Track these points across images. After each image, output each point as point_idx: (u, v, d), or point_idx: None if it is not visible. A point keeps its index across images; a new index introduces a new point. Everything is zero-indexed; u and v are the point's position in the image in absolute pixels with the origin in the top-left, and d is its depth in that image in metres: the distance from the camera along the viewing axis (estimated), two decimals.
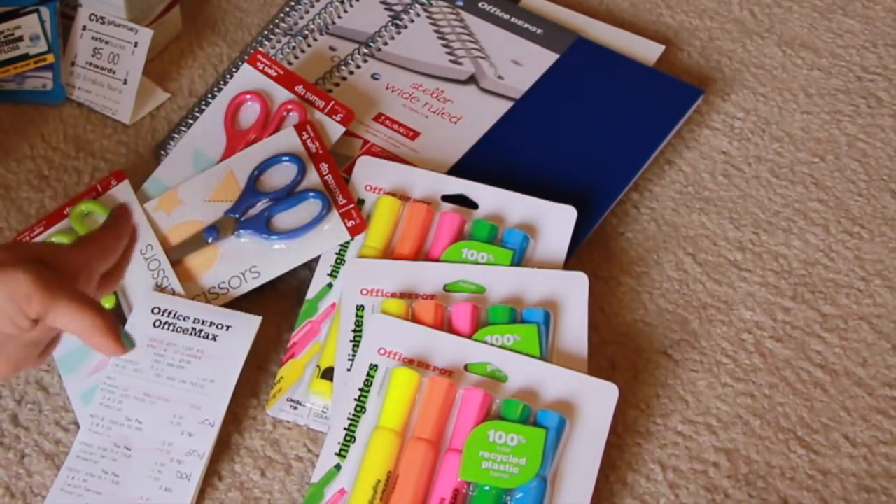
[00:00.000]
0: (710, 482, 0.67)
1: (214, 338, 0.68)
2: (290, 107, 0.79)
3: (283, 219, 0.74)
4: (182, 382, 0.67)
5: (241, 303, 0.73)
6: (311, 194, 0.74)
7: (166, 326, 0.69)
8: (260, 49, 0.85)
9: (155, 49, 0.88)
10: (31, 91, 0.85)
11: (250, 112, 0.80)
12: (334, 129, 0.78)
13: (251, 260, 0.73)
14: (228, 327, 0.69)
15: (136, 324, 0.69)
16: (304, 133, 0.77)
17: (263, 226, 0.74)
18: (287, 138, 0.77)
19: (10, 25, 0.85)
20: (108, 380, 0.67)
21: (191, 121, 0.83)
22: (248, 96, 0.80)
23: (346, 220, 0.74)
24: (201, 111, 0.83)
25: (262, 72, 0.81)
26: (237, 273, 0.73)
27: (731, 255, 0.78)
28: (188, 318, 0.69)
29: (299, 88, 0.80)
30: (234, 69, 0.88)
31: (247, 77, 0.81)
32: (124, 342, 0.57)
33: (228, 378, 0.67)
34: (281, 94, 0.80)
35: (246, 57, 0.86)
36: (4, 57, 0.85)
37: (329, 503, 0.63)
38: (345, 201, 0.74)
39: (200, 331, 0.68)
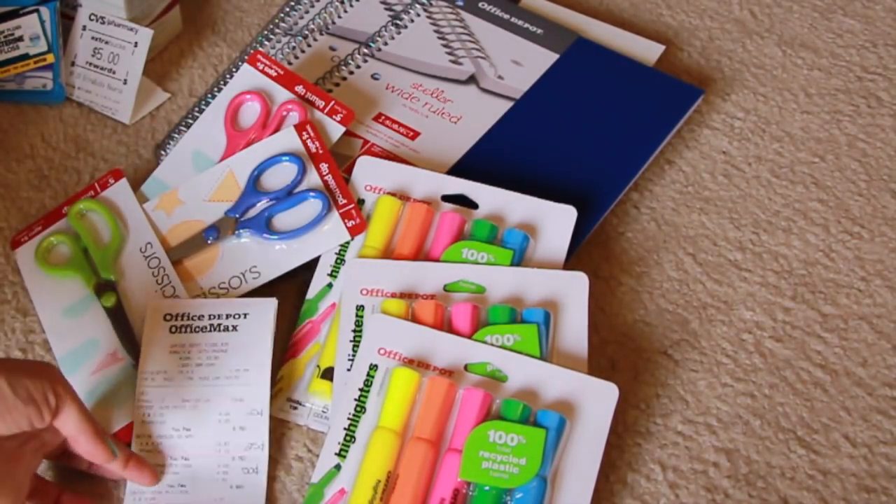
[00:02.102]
0: (710, 482, 0.67)
1: (235, 328, 0.67)
2: (290, 107, 0.79)
3: (284, 219, 0.74)
4: (217, 379, 0.66)
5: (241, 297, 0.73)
6: (312, 194, 0.74)
7: (184, 329, 0.68)
8: (260, 49, 0.85)
9: (155, 49, 0.88)
10: (31, 91, 0.85)
11: (250, 112, 0.80)
12: (334, 129, 0.78)
13: (251, 260, 0.73)
14: (245, 315, 0.68)
15: (152, 335, 0.68)
16: (304, 133, 0.77)
17: (263, 226, 0.74)
18: (287, 138, 0.77)
19: (10, 25, 0.85)
20: (140, 396, 0.66)
21: (191, 121, 0.83)
22: (248, 96, 0.80)
23: (346, 221, 0.73)
24: (201, 111, 0.83)
25: (262, 72, 0.81)
26: (237, 273, 0.73)
27: (731, 255, 0.78)
28: (203, 316, 0.68)
29: (299, 88, 0.80)
30: (234, 69, 0.88)
31: (247, 77, 0.81)
32: (111, 448, 0.61)
33: (262, 362, 0.66)
34: (281, 94, 0.80)
35: (246, 57, 0.86)
36: (4, 57, 0.85)
37: (329, 503, 0.63)
38: (345, 201, 0.74)
39: (219, 325, 0.68)
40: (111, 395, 0.68)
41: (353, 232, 0.73)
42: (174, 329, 0.68)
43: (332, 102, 0.79)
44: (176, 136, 0.83)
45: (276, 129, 0.78)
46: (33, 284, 0.74)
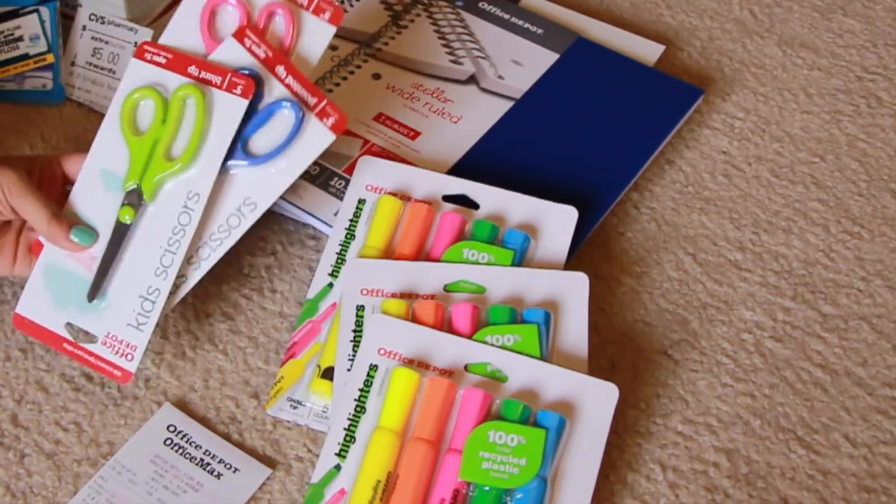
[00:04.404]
0: (710, 482, 0.67)
1: (219, 476, 0.65)
2: (275, 9, 0.71)
3: (259, 139, 0.70)
4: None
5: (241, 297, 0.73)
6: (280, 104, 0.69)
7: (176, 448, 0.66)
8: None
9: None
10: (30, 91, 0.85)
11: (230, 18, 0.72)
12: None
13: (241, 192, 0.69)
14: (237, 470, 0.66)
15: (149, 437, 0.67)
16: (245, 40, 0.70)
17: (241, 152, 0.69)
18: (231, 51, 0.70)
19: (10, 25, 0.85)
20: (99, 479, 0.65)
21: None
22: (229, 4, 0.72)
23: (324, 120, 0.68)
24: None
25: None
26: (232, 211, 0.69)
27: (731, 255, 0.78)
28: (200, 446, 0.67)
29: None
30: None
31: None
32: (77, 236, 0.68)
33: None
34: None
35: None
36: (4, 57, 0.85)
37: (329, 503, 0.63)
38: (315, 100, 0.69)
39: (208, 464, 0.66)
40: (58, 291, 0.69)
41: (336, 129, 0.68)
42: (169, 442, 0.67)
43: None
44: None
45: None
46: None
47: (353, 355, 0.68)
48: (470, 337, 0.67)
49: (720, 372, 0.72)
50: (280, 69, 0.70)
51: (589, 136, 0.82)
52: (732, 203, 0.81)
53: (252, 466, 0.66)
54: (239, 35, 0.70)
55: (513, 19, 0.91)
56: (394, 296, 0.70)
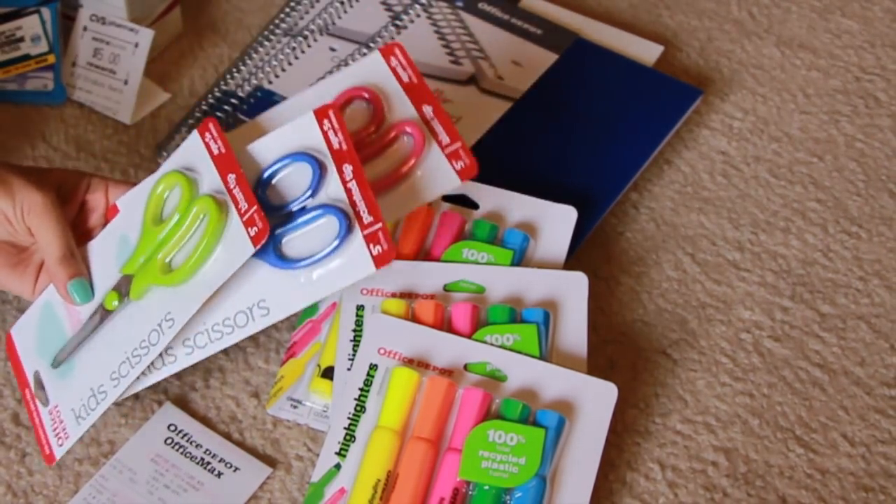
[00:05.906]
0: (708, 481, 0.67)
1: (220, 475, 0.65)
2: (408, 129, 0.65)
3: (296, 241, 0.63)
4: None
5: None
6: (326, 211, 0.62)
7: (177, 447, 0.66)
8: (260, 49, 0.84)
9: (155, 49, 0.88)
10: (31, 91, 0.86)
11: (360, 114, 0.66)
12: (449, 178, 0.65)
13: (259, 292, 0.63)
14: (237, 469, 0.66)
15: (149, 435, 0.67)
16: (325, 121, 0.62)
17: (271, 250, 0.63)
18: (303, 129, 0.62)
19: (11, 26, 0.85)
20: (100, 478, 0.65)
21: (192, 121, 0.84)
22: (364, 94, 0.66)
23: (370, 245, 0.60)
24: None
25: (393, 70, 0.65)
26: (243, 308, 0.63)
27: (729, 255, 0.78)
28: (201, 445, 0.67)
29: (427, 109, 0.65)
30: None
31: (371, 68, 0.65)
32: (74, 289, 0.65)
33: None
34: (402, 107, 0.65)
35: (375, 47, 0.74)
36: (5, 57, 0.85)
37: (329, 503, 0.63)
38: (371, 219, 0.60)
39: (208, 463, 0.66)
40: (43, 334, 0.68)
41: (380, 262, 0.60)
42: (169, 441, 0.67)
43: (459, 144, 0.63)
44: (177, 135, 0.83)
45: (385, 147, 0.65)
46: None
47: (353, 355, 0.68)
48: (469, 336, 0.67)
49: (719, 371, 0.72)
50: (347, 168, 0.61)
51: (588, 136, 0.82)
52: (731, 203, 0.82)
53: (252, 465, 0.66)
54: (321, 113, 0.62)
55: (512, 20, 0.91)
56: (393, 295, 0.70)
